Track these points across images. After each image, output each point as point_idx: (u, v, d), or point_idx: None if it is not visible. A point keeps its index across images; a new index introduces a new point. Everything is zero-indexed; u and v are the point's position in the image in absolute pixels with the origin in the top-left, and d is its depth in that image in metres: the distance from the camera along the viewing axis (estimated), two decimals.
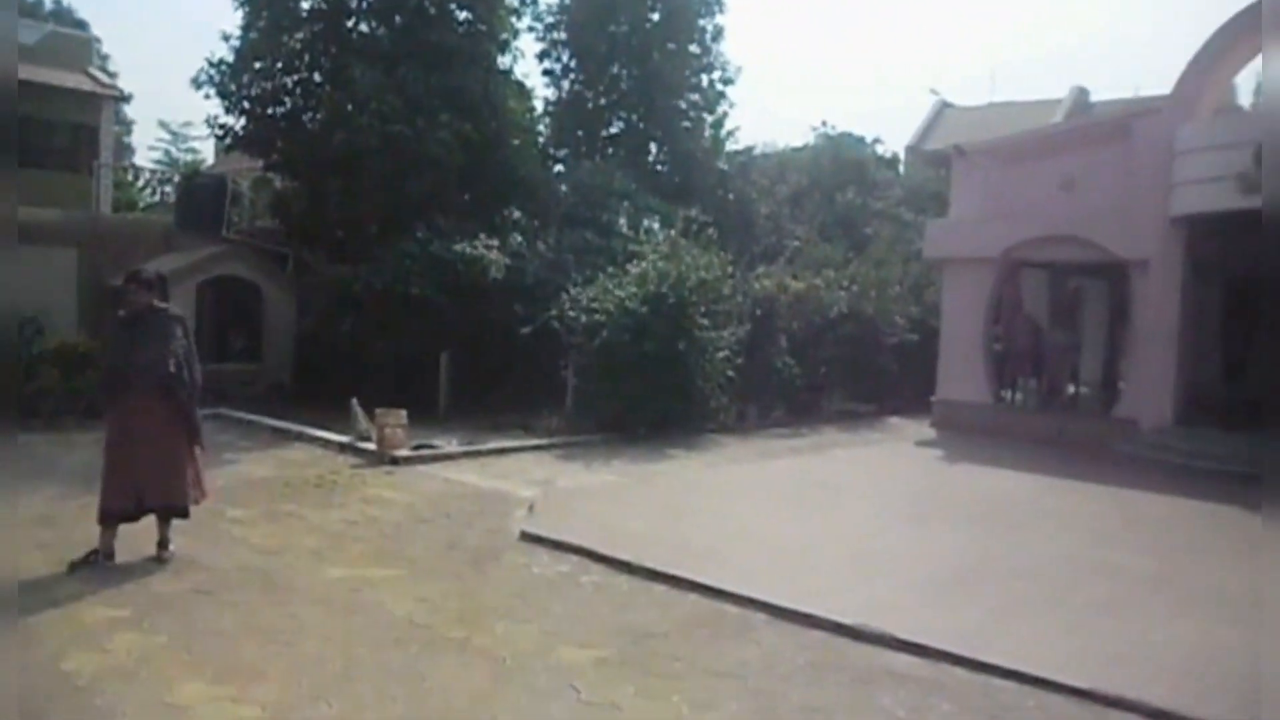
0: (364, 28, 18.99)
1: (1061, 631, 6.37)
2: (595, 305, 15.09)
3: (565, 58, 23.97)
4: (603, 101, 23.89)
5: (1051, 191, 16.44)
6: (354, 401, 13.25)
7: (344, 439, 12.90)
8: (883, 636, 6.14)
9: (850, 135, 30.71)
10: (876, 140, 31.55)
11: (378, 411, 12.32)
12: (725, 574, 7.31)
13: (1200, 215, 14.69)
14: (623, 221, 19.10)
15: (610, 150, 23.44)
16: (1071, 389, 18.98)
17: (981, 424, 16.85)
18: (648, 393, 14.63)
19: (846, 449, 15.11)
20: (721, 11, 24.05)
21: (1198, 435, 14.53)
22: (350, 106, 17.47)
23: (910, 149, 35.13)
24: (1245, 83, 19.50)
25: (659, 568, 7.47)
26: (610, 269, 16.16)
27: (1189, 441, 14.32)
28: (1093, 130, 17.58)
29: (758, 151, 26.95)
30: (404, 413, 12.31)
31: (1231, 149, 13.94)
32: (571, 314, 15.31)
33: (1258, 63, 17.01)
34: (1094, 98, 34.39)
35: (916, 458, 14.71)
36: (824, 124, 30.80)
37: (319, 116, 18.33)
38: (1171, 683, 5.49)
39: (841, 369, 19.61)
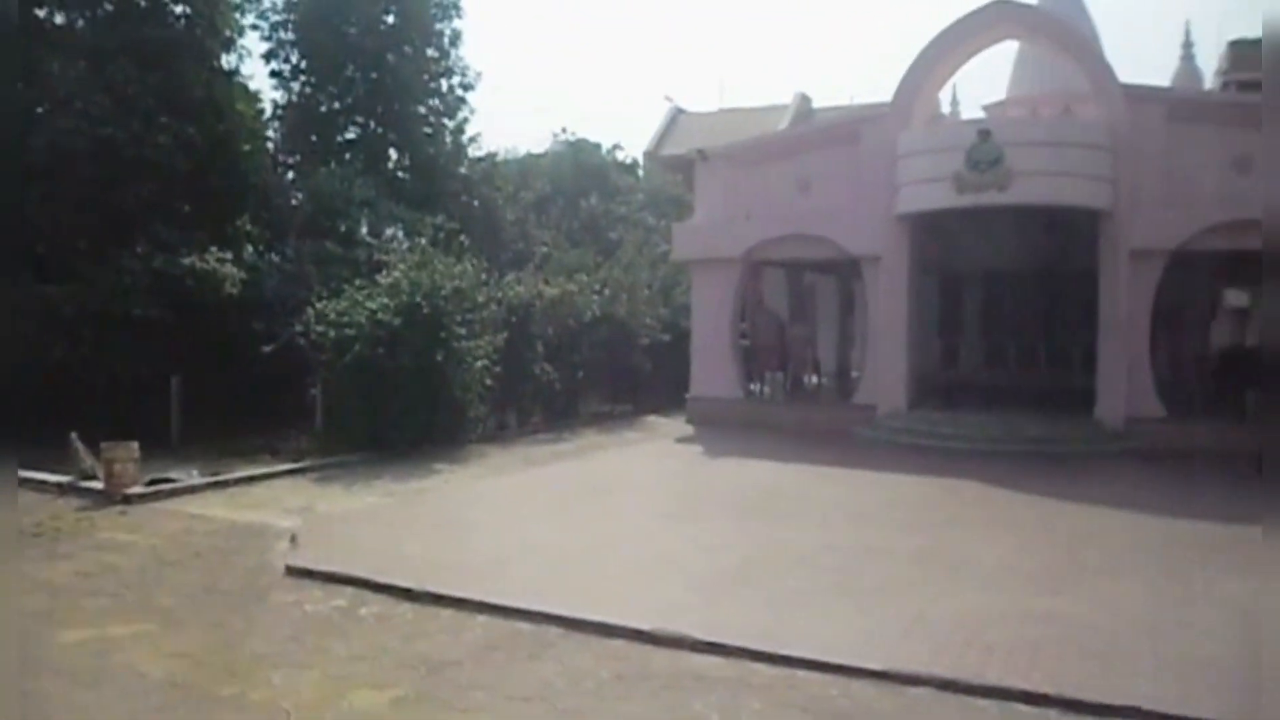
0: (60, 19, 17.05)
1: (848, 616, 6.59)
2: (345, 319, 14.30)
3: (294, 58, 22.59)
4: (337, 105, 22.76)
5: (789, 193, 17.32)
6: (73, 436, 11.81)
7: (64, 479, 11.46)
8: (682, 639, 6.11)
9: (588, 141, 31.06)
10: (616, 146, 32.13)
11: (103, 445, 11.05)
12: (513, 590, 7.07)
13: (921, 213, 15.93)
14: (365, 230, 18.31)
15: (348, 156, 22.30)
16: (815, 379, 20.09)
17: (735, 418, 17.45)
18: (406, 407, 14.06)
19: (610, 451, 15.19)
20: (459, 16, 23.58)
21: (928, 418, 15.74)
22: (49, 106, 15.64)
23: (648, 155, 36.04)
24: (944, 94, 21.47)
25: (443, 591, 7.11)
26: (357, 280, 15.38)
27: (922, 424, 15.48)
28: (825, 135, 18.64)
29: (500, 158, 26.66)
30: (135, 445, 11.11)
31: (945, 152, 15.26)
32: (319, 329, 14.43)
33: (956, 76, 18.75)
34: (815, 104, 36.72)
35: (680, 455, 15.00)
36: (563, 130, 31.01)
37: None
38: (955, 653, 5.80)
39: (597, 371, 19.82)
